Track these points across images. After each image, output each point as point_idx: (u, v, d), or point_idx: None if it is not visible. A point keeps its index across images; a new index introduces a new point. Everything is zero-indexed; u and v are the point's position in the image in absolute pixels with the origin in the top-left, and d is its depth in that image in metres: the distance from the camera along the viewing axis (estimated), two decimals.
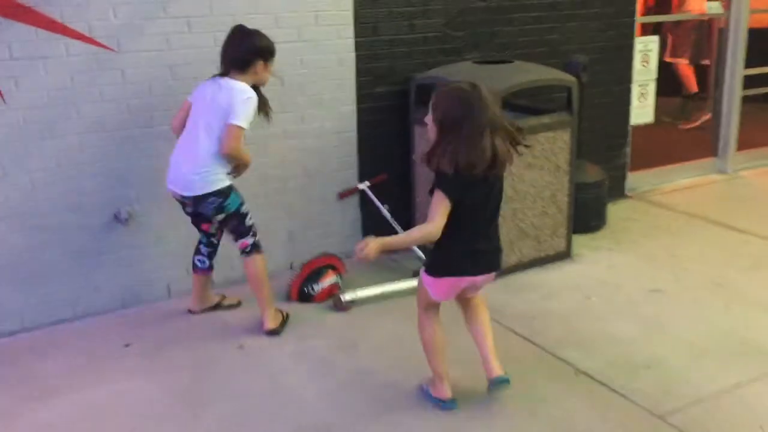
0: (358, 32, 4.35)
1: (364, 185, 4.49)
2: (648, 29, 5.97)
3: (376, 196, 4.44)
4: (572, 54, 4.97)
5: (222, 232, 3.76)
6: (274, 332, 3.67)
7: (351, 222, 4.62)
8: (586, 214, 4.90)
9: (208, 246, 3.79)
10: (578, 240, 4.71)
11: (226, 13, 3.92)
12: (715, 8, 6.16)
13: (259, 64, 3.43)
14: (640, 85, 5.64)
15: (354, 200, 4.59)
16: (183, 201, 3.55)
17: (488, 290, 3.46)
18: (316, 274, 4.07)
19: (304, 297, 4.04)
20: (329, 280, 4.08)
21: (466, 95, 2.65)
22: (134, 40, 3.74)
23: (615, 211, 5.32)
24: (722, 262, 4.47)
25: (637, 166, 5.82)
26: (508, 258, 4.29)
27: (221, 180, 3.47)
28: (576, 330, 3.68)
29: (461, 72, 4.35)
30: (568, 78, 4.41)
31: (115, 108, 3.77)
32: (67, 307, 3.87)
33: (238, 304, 3.99)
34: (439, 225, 2.71)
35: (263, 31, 3.49)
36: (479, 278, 2.90)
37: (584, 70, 4.81)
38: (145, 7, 3.72)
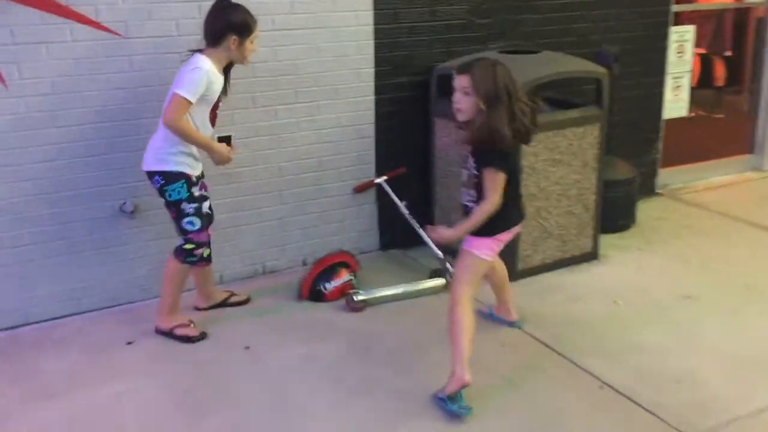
0: (378, 19, 4.15)
1: (381, 179, 4.30)
2: (683, 19, 5.67)
3: (394, 191, 4.25)
4: (603, 44, 4.72)
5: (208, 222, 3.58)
6: (161, 332, 3.50)
7: (367, 217, 4.44)
8: (615, 213, 4.66)
9: None
10: (606, 240, 4.48)
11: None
12: None
13: (232, 38, 3.20)
14: (674, 78, 5.38)
15: (370, 195, 4.41)
16: None
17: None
18: (328, 272, 3.90)
19: (316, 295, 3.87)
20: (342, 278, 3.90)
21: (501, 69, 2.82)
22: (143, 25, 3.58)
23: (645, 209, 5.07)
24: (759, 266, 4.22)
25: (668, 162, 5.56)
26: (531, 258, 4.08)
27: (169, 162, 3.25)
28: (601, 337, 3.47)
29: None
30: (598, 70, 4.17)
31: (122, 96, 3.62)
32: (71, 302, 3.75)
33: (247, 300, 3.83)
34: (498, 201, 2.89)
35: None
36: (518, 227, 3.15)
37: (615, 61, 4.56)
38: None
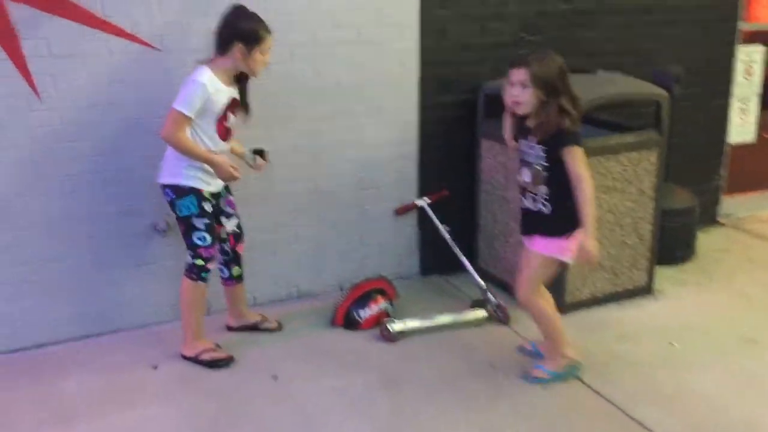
0: (424, 34, 3.98)
1: (423, 202, 4.11)
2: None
3: (436, 215, 4.06)
4: (664, 63, 4.45)
5: (234, 240, 3.48)
6: (187, 358, 3.38)
7: (407, 241, 4.25)
8: (672, 244, 4.37)
9: (222, 252, 3.50)
10: (662, 273, 4.19)
11: (282, 11, 3.63)
12: None
13: (238, 47, 3.05)
14: (740, 100, 5.06)
15: (411, 218, 4.22)
16: None
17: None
18: (364, 299, 3.72)
19: (350, 323, 3.69)
20: (378, 306, 3.72)
21: (555, 58, 2.91)
22: (180, 39, 3.48)
23: (705, 240, 4.75)
24: None
25: (732, 190, 5.23)
26: (580, 292, 3.83)
27: (179, 175, 3.16)
28: (655, 382, 3.20)
29: None
30: (657, 92, 3.90)
31: (157, 111, 3.49)
32: (99, 321, 3.65)
33: (278, 328, 3.67)
34: (590, 176, 2.90)
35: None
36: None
37: (677, 82, 4.28)
38: (192, 2, 3.46)
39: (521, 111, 2.94)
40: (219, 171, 3.18)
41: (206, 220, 3.23)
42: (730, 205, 5.22)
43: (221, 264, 3.54)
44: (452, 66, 4.09)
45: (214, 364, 3.35)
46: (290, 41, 3.66)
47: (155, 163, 3.54)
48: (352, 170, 4.01)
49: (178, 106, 3.03)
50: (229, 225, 3.45)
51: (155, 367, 3.37)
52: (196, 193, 3.19)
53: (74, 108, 3.38)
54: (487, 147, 4.08)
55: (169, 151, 3.19)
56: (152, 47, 3.44)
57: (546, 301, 3.19)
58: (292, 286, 4.05)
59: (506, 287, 4.08)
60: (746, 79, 5.04)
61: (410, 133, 4.10)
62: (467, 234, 4.26)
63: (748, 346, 3.50)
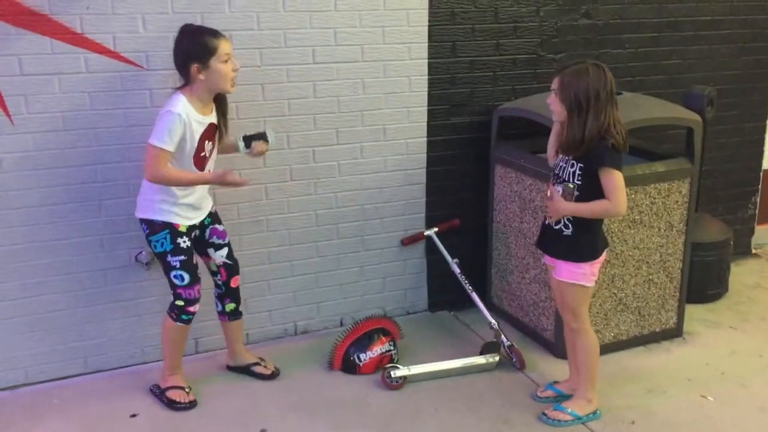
0: (433, 52, 3.67)
1: (431, 231, 3.80)
2: None
3: (445, 246, 3.74)
4: (695, 84, 4.11)
5: (226, 272, 3.19)
6: (154, 388, 3.19)
7: (414, 274, 3.93)
8: (704, 280, 4.02)
9: (215, 285, 3.23)
10: (692, 312, 3.84)
11: (275, 28, 3.34)
12: None
13: (194, 68, 2.80)
14: None
15: (419, 248, 3.90)
16: None
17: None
18: (364, 340, 3.40)
19: (349, 367, 3.37)
20: (380, 348, 3.40)
21: (595, 74, 2.70)
22: (166, 57, 3.18)
23: (739, 274, 4.39)
24: None
25: (765, 218, 4.86)
26: (602, 335, 3.48)
27: (153, 210, 2.92)
28: None
29: None
30: (690, 116, 3.56)
31: (141, 134, 3.21)
32: (77, 361, 3.36)
33: (272, 376, 3.34)
34: (625, 204, 2.75)
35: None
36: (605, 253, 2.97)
37: (710, 105, 3.94)
38: (179, 18, 3.17)
39: (555, 118, 2.83)
40: (221, 183, 2.95)
41: (182, 257, 2.95)
42: (764, 235, 4.85)
43: (215, 297, 3.27)
44: (464, 86, 3.77)
45: (172, 405, 3.09)
46: (287, 59, 3.38)
47: (137, 190, 3.26)
48: (354, 197, 3.70)
49: (156, 141, 2.79)
50: (219, 256, 3.17)
51: (134, 416, 3.07)
52: (170, 228, 2.93)
53: (49, 131, 3.10)
54: (501, 173, 3.75)
55: (145, 184, 2.94)
56: (135, 65, 3.16)
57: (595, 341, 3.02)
58: (289, 323, 3.74)
59: (520, 326, 3.75)
60: None
61: (417, 158, 3.78)
62: (479, 267, 3.93)
63: None
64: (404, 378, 3.26)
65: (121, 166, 3.24)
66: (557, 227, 2.86)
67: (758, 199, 4.71)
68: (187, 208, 2.95)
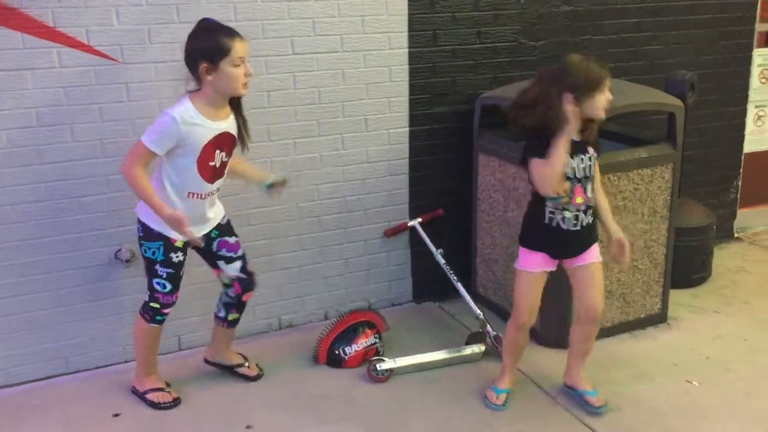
0: (414, 41, 3.63)
1: (415, 222, 3.77)
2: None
3: (429, 237, 3.71)
4: (677, 70, 4.10)
5: (240, 287, 3.09)
6: (134, 391, 3.11)
7: (398, 265, 3.91)
8: (688, 265, 4.03)
9: (225, 294, 3.13)
10: (676, 297, 3.84)
11: (252, 18, 3.28)
12: None
13: (203, 68, 2.63)
14: (756, 106, 4.71)
15: (403, 239, 3.88)
16: None
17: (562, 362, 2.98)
18: (349, 334, 3.37)
19: (334, 361, 3.35)
20: (365, 341, 3.37)
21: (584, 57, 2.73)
22: (141, 50, 3.13)
23: (722, 257, 4.41)
24: None
25: (748, 202, 4.88)
26: None
27: (152, 216, 2.76)
28: (674, 430, 2.85)
29: None
30: (671, 102, 3.55)
31: (117, 129, 3.17)
32: (58, 362, 3.31)
33: (256, 377, 3.27)
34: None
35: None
36: None
37: (692, 90, 3.94)
38: (154, 10, 3.11)
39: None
40: (171, 225, 2.73)
41: (170, 270, 2.87)
42: (747, 218, 4.87)
43: (220, 302, 3.15)
44: (445, 74, 3.74)
45: (156, 406, 3.03)
46: (265, 50, 3.33)
47: (115, 186, 3.23)
48: (336, 189, 3.66)
49: (144, 138, 2.67)
50: (232, 270, 3.02)
51: (117, 415, 3.03)
52: (166, 241, 2.82)
53: (22, 128, 3.04)
54: (484, 162, 3.73)
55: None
56: (110, 58, 3.09)
57: None
58: (273, 317, 3.71)
59: (506, 315, 3.72)
60: (763, 83, 4.69)
61: (400, 148, 3.75)
62: (463, 257, 3.91)
63: None
64: (390, 371, 3.24)
65: (98, 162, 3.18)
66: (585, 224, 2.80)
67: (740, 183, 4.73)
68: (188, 221, 2.73)
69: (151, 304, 2.93)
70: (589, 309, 2.89)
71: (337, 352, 3.34)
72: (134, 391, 3.12)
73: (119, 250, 3.28)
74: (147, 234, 2.83)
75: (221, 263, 3.01)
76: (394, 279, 3.92)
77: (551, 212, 2.79)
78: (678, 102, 3.54)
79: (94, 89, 3.10)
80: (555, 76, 2.67)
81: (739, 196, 4.75)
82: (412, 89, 3.69)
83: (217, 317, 3.19)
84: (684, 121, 3.56)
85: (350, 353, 3.34)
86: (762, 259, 4.47)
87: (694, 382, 3.17)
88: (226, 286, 3.09)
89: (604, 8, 4.05)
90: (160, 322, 2.98)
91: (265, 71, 3.36)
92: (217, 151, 2.78)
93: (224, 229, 3.00)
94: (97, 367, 3.37)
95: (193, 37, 2.68)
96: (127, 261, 3.29)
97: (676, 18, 4.26)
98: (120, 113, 3.16)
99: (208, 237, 2.95)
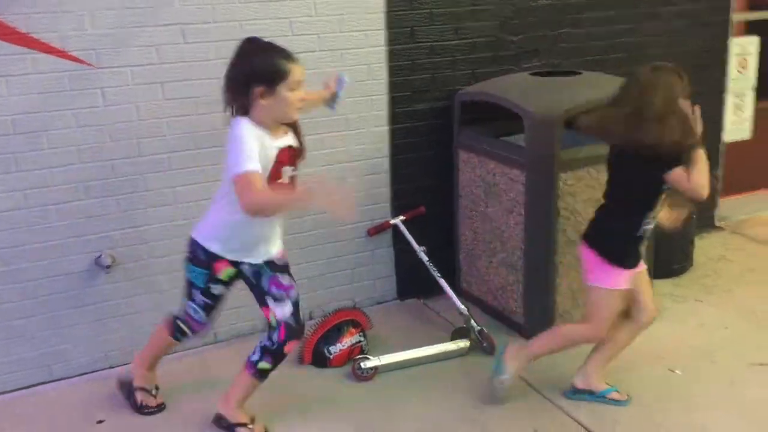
0: (392, 38, 3.63)
1: (397, 220, 3.77)
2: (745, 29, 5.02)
3: (412, 234, 3.71)
4: (654, 60, 4.11)
5: (286, 334, 2.76)
6: (123, 382, 3.08)
7: (382, 263, 3.91)
8: (668, 255, 4.05)
9: (268, 338, 2.79)
10: (659, 288, 3.85)
11: (230, 19, 3.27)
12: None
13: (256, 90, 2.46)
14: (735, 95, 4.74)
15: (386, 238, 3.88)
16: None
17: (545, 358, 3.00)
18: (334, 333, 3.37)
19: (319, 360, 3.35)
20: (350, 339, 3.38)
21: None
22: (116, 53, 3.11)
23: (703, 247, 4.44)
24: None
25: (728, 191, 4.91)
26: (570, 315, 3.50)
27: (210, 239, 2.70)
28: (657, 419, 2.88)
29: (516, 86, 3.58)
30: None
31: (93, 135, 3.15)
32: (40, 370, 3.28)
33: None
34: None
35: (277, 41, 2.65)
36: None
37: None
38: (129, 13, 3.09)
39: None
40: (307, 201, 2.50)
41: (207, 300, 2.81)
42: (727, 207, 4.91)
43: (258, 345, 2.82)
44: (424, 71, 3.74)
45: (141, 408, 3.02)
46: None
47: (93, 191, 3.22)
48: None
49: (237, 168, 2.41)
50: (282, 312, 2.75)
51: (101, 422, 3.01)
52: (210, 271, 2.71)
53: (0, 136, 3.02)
54: (465, 159, 3.74)
55: (213, 214, 2.70)
56: (85, 63, 3.07)
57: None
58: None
59: (490, 310, 3.75)
60: (741, 72, 4.72)
61: (380, 146, 3.75)
62: (447, 253, 3.92)
63: (758, 372, 3.17)
64: (375, 369, 3.24)
65: (75, 168, 3.15)
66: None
67: (720, 173, 4.76)
68: (244, 253, 2.69)
69: (179, 323, 2.89)
70: (650, 312, 2.93)
71: (322, 351, 3.34)
72: (122, 382, 3.07)
73: (99, 256, 3.26)
74: (194, 257, 2.72)
75: (270, 301, 2.77)
76: (378, 277, 3.92)
77: (648, 222, 2.74)
78: None
79: (70, 95, 3.08)
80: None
81: (720, 185, 4.78)
82: (392, 87, 3.69)
83: (248, 361, 2.82)
84: None
85: (335, 352, 3.34)
86: (743, 248, 4.51)
87: (677, 371, 3.19)
88: (271, 327, 2.79)
89: (582, 1, 4.06)
90: (179, 341, 2.95)
91: None
92: (285, 167, 2.63)
93: (279, 267, 2.80)
94: (81, 374, 3.35)
95: (245, 58, 2.51)
96: (108, 267, 3.27)
97: (653, 9, 4.28)
98: (96, 119, 3.14)
99: (257, 270, 2.76)
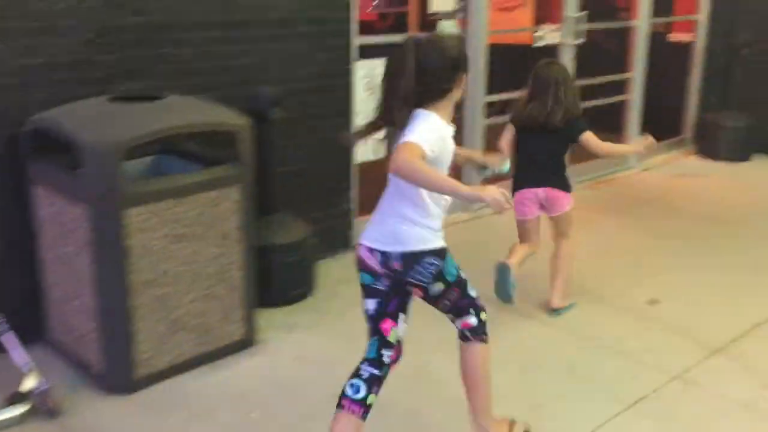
0: None
1: None
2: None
3: None
4: (263, 84, 4.03)
5: (397, 354, 2.66)
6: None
7: None
8: (285, 283, 3.99)
9: (376, 363, 2.61)
10: (272, 318, 3.77)
11: None
12: (449, 28, 5.48)
13: (463, 77, 2.55)
14: (365, 117, 4.83)
15: None
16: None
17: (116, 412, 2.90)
18: None
19: None
20: None
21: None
22: None
23: (333, 269, 4.44)
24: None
25: (364, 211, 5.01)
26: (156, 360, 3.24)
27: (432, 239, 2.55)
28: None
29: (88, 113, 3.26)
30: (233, 121, 3.43)
31: None
32: None
33: None
34: None
35: None
36: None
37: (276, 105, 3.90)
38: None
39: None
40: (476, 198, 2.37)
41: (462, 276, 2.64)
42: (362, 227, 4.98)
43: (362, 378, 2.56)
44: None
45: None
46: None
47: None
48: None
49: (413, 137, 2.33)
50: (402, 330, 2.64)
51: None
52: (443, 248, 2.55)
53: None
54: (41, 194, 3.32)
55: (393, 218, 2.56)
56: None
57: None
58: None
59: (76, 360, 3.36)
60: (370, 95, 4.82)
61: None
62: (35, 299, 3.47)
63: (377, 413, 3.09)
64: None
65: None
66: None
67: (354, 194, 4.83)
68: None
69: (481, 316, 2.65)
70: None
71: None
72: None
73: None
74: (441, 255, 2.52)
75: (402, 316, 2.62)
76: None
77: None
78: (240, 121, 3.42)
79: None
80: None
81: (355, 206, 4.85)
82: None
83: (351, 402, 2.54)
84: (267, 137, 3.49)
85: None
86: None
87: (253, 414, 3.06)
88: (388, 345, 2.60)
89: (184, 20, 3.85)
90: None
91: None
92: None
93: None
94: None
95: (445, 50, 2.51)
96: None
97: (270, 32, 4.20)
98: None
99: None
